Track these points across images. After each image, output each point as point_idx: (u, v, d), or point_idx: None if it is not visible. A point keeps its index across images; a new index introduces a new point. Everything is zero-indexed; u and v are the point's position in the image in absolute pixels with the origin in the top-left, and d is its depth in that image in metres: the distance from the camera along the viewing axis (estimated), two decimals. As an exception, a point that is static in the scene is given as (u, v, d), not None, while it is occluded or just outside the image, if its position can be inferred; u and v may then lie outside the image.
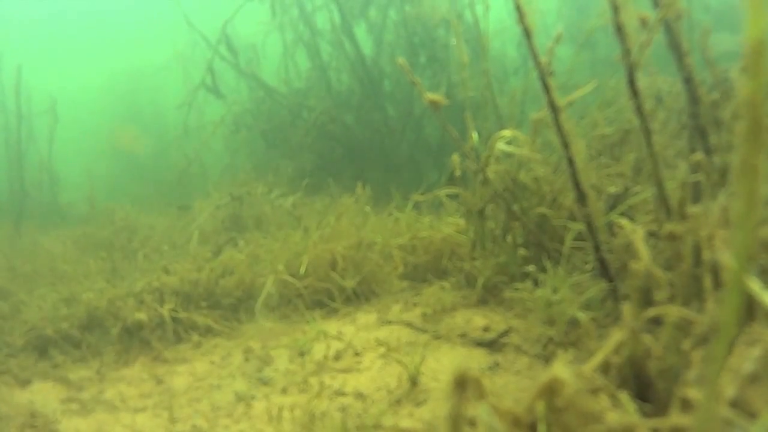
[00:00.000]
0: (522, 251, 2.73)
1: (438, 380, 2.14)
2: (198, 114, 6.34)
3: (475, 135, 2.91)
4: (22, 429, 2.19)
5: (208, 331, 2.95)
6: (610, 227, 2.19)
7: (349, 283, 3.09)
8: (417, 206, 3.79)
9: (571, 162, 1.88)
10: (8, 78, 6.20)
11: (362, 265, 3.18)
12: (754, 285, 1.15)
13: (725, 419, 1.04)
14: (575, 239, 2.52)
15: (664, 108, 2.80)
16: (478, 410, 1.01)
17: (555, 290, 2.30)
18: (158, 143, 8.37)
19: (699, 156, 1.78)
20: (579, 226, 2.42)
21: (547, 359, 2.16)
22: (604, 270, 1.93)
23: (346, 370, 2.35)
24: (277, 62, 6.37)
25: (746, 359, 1.09)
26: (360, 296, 3.13)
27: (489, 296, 2.80)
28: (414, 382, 2.12)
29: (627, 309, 1.41)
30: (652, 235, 1.93)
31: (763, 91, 0.75)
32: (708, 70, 2.18)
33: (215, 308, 3.09)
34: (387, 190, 4.49)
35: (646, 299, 1.51)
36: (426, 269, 3.29)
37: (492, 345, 2.34)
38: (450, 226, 3.37)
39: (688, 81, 1.91)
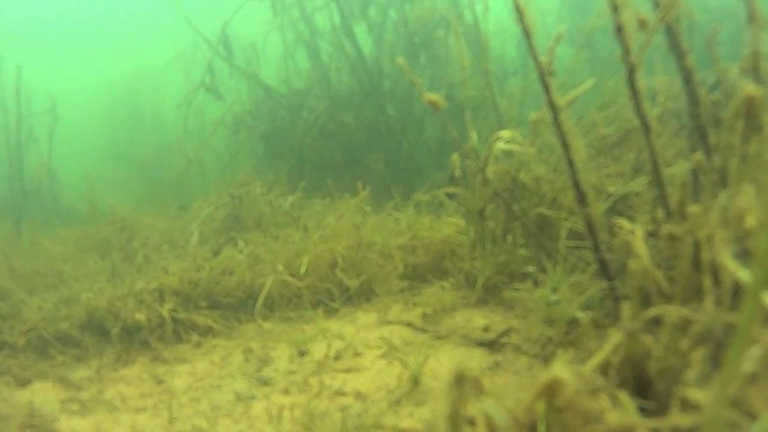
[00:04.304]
0: (522, 251, 2.73)
1: (438, 380, 2.14)
2: (198, 114, 6.34)
3: (474, 135, 2.91)
4: (21, 429, 2.19)
5: (208, 331, 2.95)
6: (610, 227, 2.19)
7: (354, 283, 3.09)
8: (417, 206, 3.79)
9: (570, 162, 1.88)
10: (8, 78, 6.20)
11: (362, 265, 3.18)
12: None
13: (729, 421, 1.03)
14: (576, 239, 2.52)
15: (662, 107, 2.80)
16: (482, 405, 1.01)
17: (555, 290, 2.30)
18: (158, 143, 8.37)
19: (699, 156, 1.78)
20: (578, 225, 2.42)
21: (546, 359, 2.16)
22: (603, 270, 1.93)
23: (346, 370, 2.35)
24: (277, 62, 6.37)
25: (746, 359, 1.09)
26: (360, 296, 3.13)
27: (489, 296, 2.80)
28: (416, 381, 2.12)
29: (626, 309, 1.41)
30: (651, 234, 1.93)
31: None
32: (710, 70, 2.18)
33: (215, 308, 3.09)
34: (387, 190, 4.49)
35: (646, 299, 1.51)
36: (426, 269, 3.29)
37: (492, 345, 2.34)
38: (450, 226, 3.37)
39: (688, 81, 1.91)
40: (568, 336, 2.21)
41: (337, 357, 2.47)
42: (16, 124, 6.20)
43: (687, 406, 1.15)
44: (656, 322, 1.42)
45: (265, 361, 2.55)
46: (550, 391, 1.05)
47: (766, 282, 0.78)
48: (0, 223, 5.54)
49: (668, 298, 1.52)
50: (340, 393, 2.18)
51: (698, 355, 1.29)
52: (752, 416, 1.06)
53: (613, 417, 1.10)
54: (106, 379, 2.61)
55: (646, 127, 1.75)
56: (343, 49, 5.82)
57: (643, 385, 1.39)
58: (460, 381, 0.91)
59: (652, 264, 1.51)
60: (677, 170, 1.94)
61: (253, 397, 2.25)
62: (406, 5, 5.75)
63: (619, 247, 1.96)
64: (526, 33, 1.84)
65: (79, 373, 2.68)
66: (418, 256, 3.31)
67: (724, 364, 0.85)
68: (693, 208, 1.46)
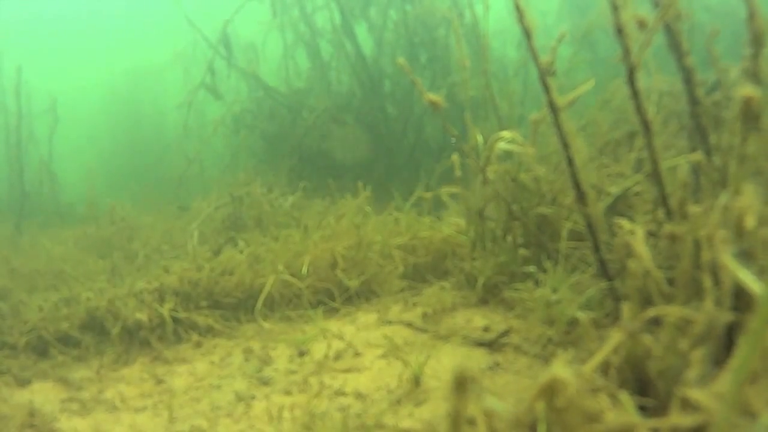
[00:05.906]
0: (522, 251, 2.73)
1: (438, 380, 2.14)
2: (198, 114, 6.34)
3: (479, 137, 2.91)
4: (21, 429, 2.20)
5: (208, 331, 2.95)
6: (610, 227, 2.19)
7: (353, 283, 3.09)
8: (417, 205, 3.79)
9: (570, 162, 1.88)
10: (8, 78, 6.20)
11: (362, 265, 3.18)
12: (752, 281, 1.15)
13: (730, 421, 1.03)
14: (576, 239, 2.52)
15: (657, 106, 2.80)
16: (484, 403, 1.01)
17: (555, 290, 2.30)
18: (158, 143, 8.37)
19: (699, 156, 1.78)
20: (578, 225, 2.42)
21: (546, 359, 2.16)
22: (603, 270, 1.93)
23: (346, 370, 2.35)
24: (277, 62, 6.37)
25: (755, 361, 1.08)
26: (360, 296, 3.13)
27: (489, 296, 2.80)
28: (416, 381, 2.12)
29: (626, 309, 1.41)
30: (651, 234, 1.93)
31: None
32: (710, 70, 2.18)
33: (215, 308, 3.09)
34: (387, 190, 4.49)
35: (646, 299, 1.51)
36: (426, 269, 3.28)
37: (492, 345, 2.34)
38: (450, 226, 3.36)
39: (688, 81, 1.91)
40: (568, 336, 2.21)
41: (337, 357, 2.47)
42: (16, 123, 6.20)
43: (687, 406, 1.15)
44: (656, 322, 1.42)
45: (265, 361, 2.55)
46: (551, 390, 1.05)
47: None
48: (0, 223, 5.54)
49: (668, 298, 1.52)
50: (340, 393, 2.18)
51: (698, 355, 1.29)
52: (752, 416, 1.06)
53: (612, 416, 1.10)
54: (106, 379, 2.61)
55: (645, 127, 1.75)
56: (343, 49, 5.82)
57: (644, 385, 1.39)
58: (462, 382, 0.91)
59: (652, 264, 1.51)
60: (676, 165, 1.94)
61: (253, 397, 2.25)
62: (407, 5, 5.76)
63: (619, 247, 1.96)
64: (527, 33, 1.84)
65: (79, 373, 2.68)
66: (418, 256, 3.31)
67: (730, 366, 0.85)
68: (693, 208, 1.46)
